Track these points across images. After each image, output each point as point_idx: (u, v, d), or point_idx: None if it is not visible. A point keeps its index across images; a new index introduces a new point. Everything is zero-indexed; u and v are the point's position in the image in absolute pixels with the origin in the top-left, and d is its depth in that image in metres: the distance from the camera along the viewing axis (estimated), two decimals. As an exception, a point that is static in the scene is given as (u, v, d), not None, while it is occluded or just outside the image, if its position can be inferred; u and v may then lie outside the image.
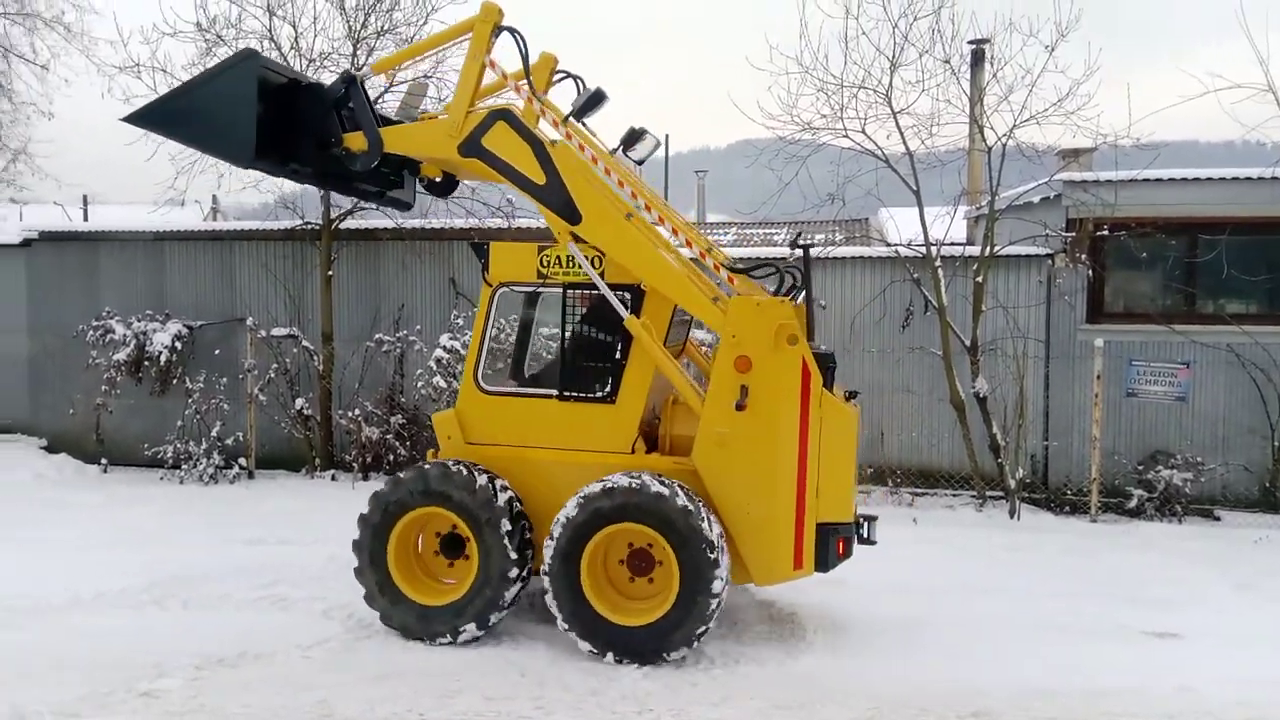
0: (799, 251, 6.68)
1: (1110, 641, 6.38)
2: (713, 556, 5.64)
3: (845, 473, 6.11)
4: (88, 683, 5.34)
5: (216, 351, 11.98)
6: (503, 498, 6.04)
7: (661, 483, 5.76)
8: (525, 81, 6.31)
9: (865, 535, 6.50)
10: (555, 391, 6.37)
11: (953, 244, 10.92)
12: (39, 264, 12.89)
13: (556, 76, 6.74)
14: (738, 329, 5.88)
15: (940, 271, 10.29)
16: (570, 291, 6.35)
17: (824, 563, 6.04)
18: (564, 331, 6.45)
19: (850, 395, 6.59)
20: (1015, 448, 10.18)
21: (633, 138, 6.70)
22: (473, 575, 6.02)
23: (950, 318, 10.35)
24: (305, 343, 11.80)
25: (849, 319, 10.97)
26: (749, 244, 21.52)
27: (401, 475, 6.21)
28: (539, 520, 6.14)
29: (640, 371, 6.19)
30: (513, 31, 6.30)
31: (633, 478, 5.79)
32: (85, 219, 32.20)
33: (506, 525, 5.98)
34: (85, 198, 35.35)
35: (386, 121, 6.68)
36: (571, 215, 6.05)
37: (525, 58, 6.34)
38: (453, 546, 6.27)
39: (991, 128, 10.21)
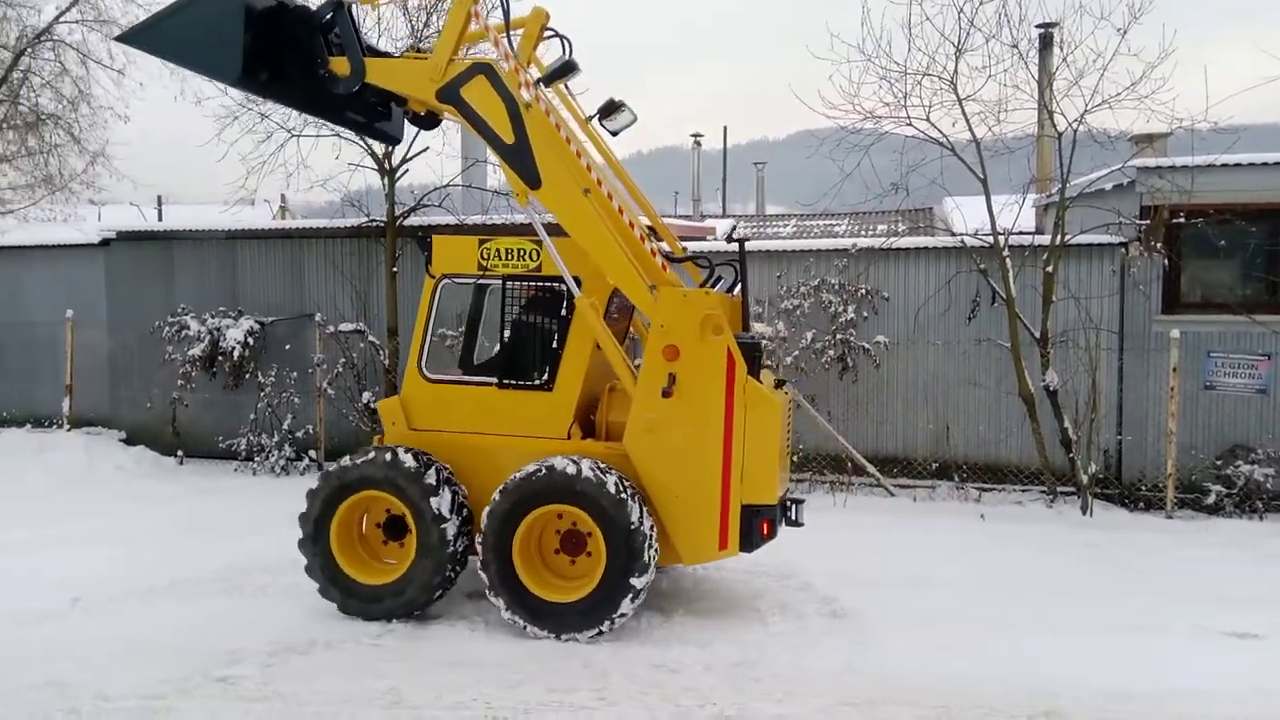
0: (734, 245, 6.76)
1: (1185, 641, 6.18)
2: (638, 530, 5.89)
3: (770, 457, 6.20)
4: (168, 668, 5.51)
5: (287, 346, 12.29)
6: (445, 485, 6.25)
7: (583, 465, 6.00)
8: (505, 38, 6.40)
9: (793, 518, 6.69)
10: (495, 379, 6.64)
11: (1021, 233, 10.67)
12: (117, 263, 13.36)
13: (546, 34, 6.82)
14: (666, 319, 6.12)
15: (1008, 261, 10.06)
16: (509, 283, 6.67)
17: (749, 543, 6.21)
18: (503, 321, 6.74)
19: (779, 383, 6.83)
20: (1087, 442, 9.91)
21: (610, 109, 6.90)
22: (410, 557, 6.26)
23: (1019, 309, 10.11)
24: (371, 337, 12.03)
25: (913, 311, 10.80)
26: (808, 235, 21.30)
27: (347, 459, 6.42)
28: (480, 504, 6.32)
29: (576, 360, 6.46)
30: None
31: (547, 463, 6.06)
32: (160, 218, 33.28)
33: (442, 509, 6.18)
34: (160, 198, 36.53)
35: (374, 52, 6.78)
36: (532, 179, 6.16)
37: (507, 14, 6.51)
38: (396, 529, 6.49)
39: (1061, 113, 9.96)
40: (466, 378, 6.99)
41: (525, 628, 6.05)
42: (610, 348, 6.29)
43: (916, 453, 10.86)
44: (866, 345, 10.72)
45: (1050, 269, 9.95)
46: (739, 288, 6.71)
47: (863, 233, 20.36)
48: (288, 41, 6.35)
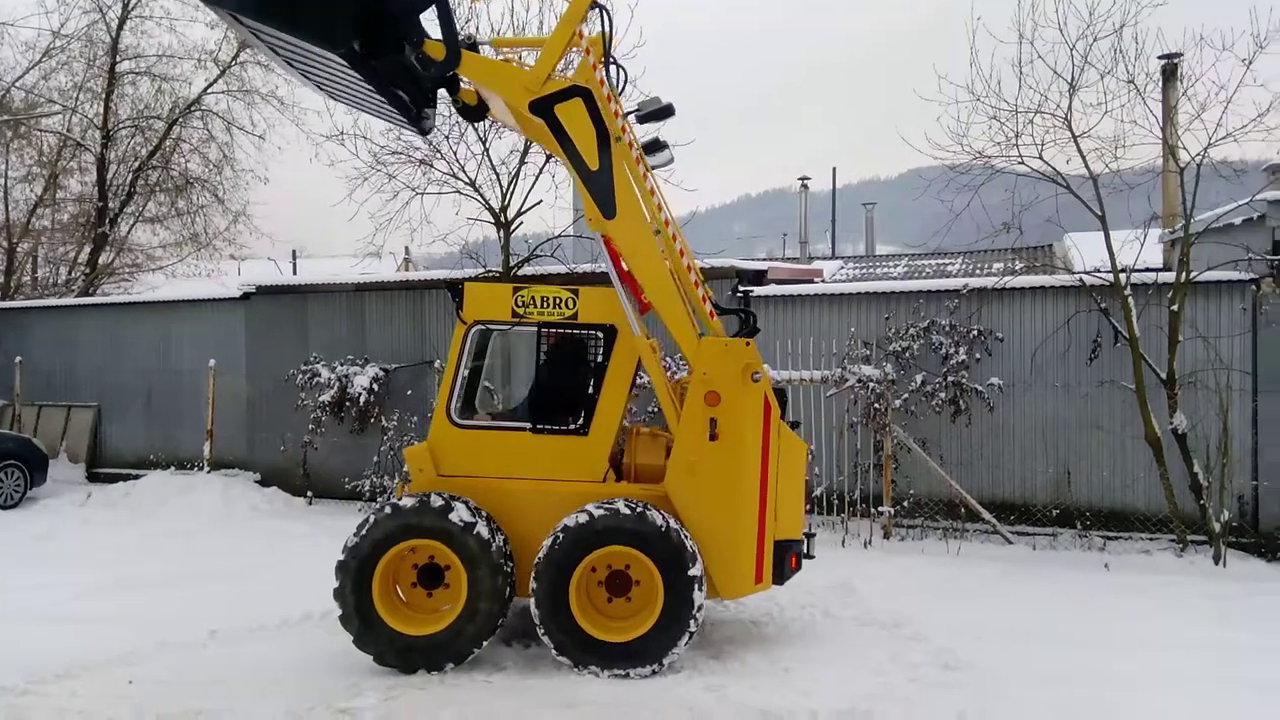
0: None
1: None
2: (693, 573, 6.07)
3: (797, 495, 6.66)
4: (295, 698, 5.81)
5: (409, 392, 12.87)
6: (487, 528, 6.22)
7: (648, 509, 6.14)
8: (604, 67, 6.47)
9: (806, 551, 6.88)
10: (529, 424, 6.68)
11: (1144, 270, 10.28)
12: (256, 315, 14.30)
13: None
14: (708, 366, 6.37)
15: (1131, 300, 9.70)
16: (544, 330, 6.71)
17: (780, 576, 6.55)
18: (537, 368, 6.80)
19: (794, 425, 6.95)
20: (1220, 488, 9.39)
21: (652, 147, 6.99)
22: (460, 605, 6.18)
23: (1143, 349, 9.72)
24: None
25: (1029, 351, 10.50)
26: (921, 275, 20.94)
27: (388, 507, 6.29)
28: (517, 547, 6.40)
29: (612, 405, 6.58)
30: (604, 10, 6.53)
31: (610, 505, 6.15)
32: (294, 272, 35.30)
33: (493, 556, 6.18)
34: (294, 252, 38.74)
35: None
36: (609, 209, 6.30)
37: (608, 42, 6.55)
38: (431, 577, 6.38)
39: (1184, 147, 9.61)
40: (497, 423, 7.03)
41: (577, 667, 6.14)
42: (663, 391, 6.50)
43: (1035, 499, 10.48)
44: (980, 387, 10.47)
45: (1176, 307, 9.54)
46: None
47: (978, 271, 19.91)
48: (382, 17, 6.04)
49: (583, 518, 6.16)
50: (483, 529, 6.17)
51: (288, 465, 13.49)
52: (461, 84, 6.70)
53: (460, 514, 6.16)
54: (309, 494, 13.15)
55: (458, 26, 6.48)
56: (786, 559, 6.57)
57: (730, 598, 6.62)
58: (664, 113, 6.91)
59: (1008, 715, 5.63)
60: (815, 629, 7.19)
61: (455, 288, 6.90)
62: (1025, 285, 10.66)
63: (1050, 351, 10.40)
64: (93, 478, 15.09)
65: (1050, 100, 9.89)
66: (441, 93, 6.96)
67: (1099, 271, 10.03)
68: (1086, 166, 9.83)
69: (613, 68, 6.72)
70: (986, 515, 10.29)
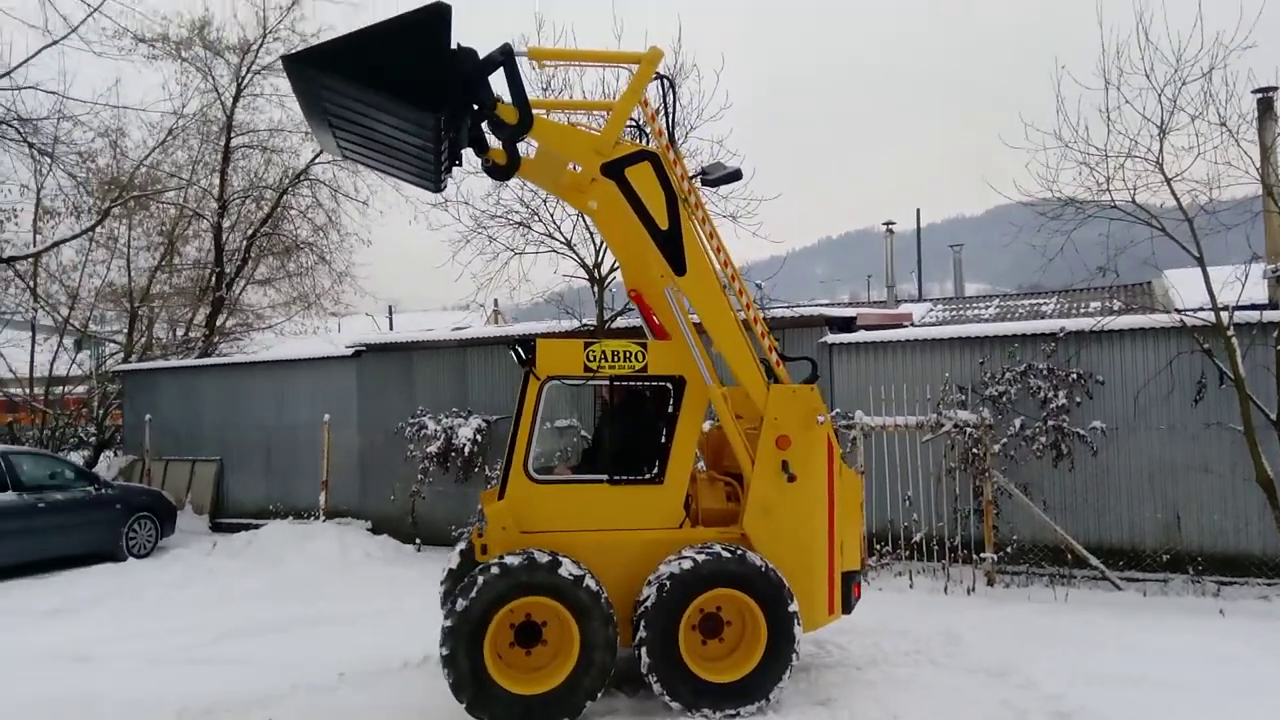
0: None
1: None
2: (792, 609, 6.41)
3: (856, 528, 7.22)
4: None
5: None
6: (594, 581, 6.26)
7: (739, 550, 6.48)
8: (667, 135, 6.84)
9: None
10: (606, 476, 6.83)
11: (1248, 307, 10.07)
12: (366, 371, 15.04)
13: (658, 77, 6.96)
14: (778, 412, 6.80)
15: (1235, 340, 9.54)
16: (616, 383, 6.89)
17: (847, 606, 7.03)
18: (612, 420, 7.04)
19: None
20: (1341, 532, 9.08)
21: (715, 169, 7.36)
22: (572, 662, 6.16)
23: (1251, 389, 9.53)
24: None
25: (1131, 393, 10.36)
26: (1013, 316, 20.66)
27: (496, 568, 6.19)
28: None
29: (684, 452, 6.82)
30: (669, 80, 6.88)
31: (710, 550, 6.44)
32: (390, 327, 36.63)
33: (603, 607, 6.23)
34: (390, 308, 40.23)
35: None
36: (679, 267, 6.61)
37: (672, 111, 6.89)
38: (528, 636, 6.36)
39: (1282, 185, 9.48)
40: (575, 476, 7.21)
41: (688, 710, 6.30)
42: (735, 436, 6.82)
43: (1144, 544, 10.26)
44: (1082, 431, 10.37)
45: (1282, 347, 9.36)
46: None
47: (1074, 310, 19.56)
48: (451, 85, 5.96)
49: (687, 563, 6.39)
50: (591, 581, 6.23)
51: (397, 514, 14.07)
52: (491, 145, 6.56)
53: (569, 568, 6.22)
54: (418, 541, 13.67)
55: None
56: (851, 588, 7.03)
57: (809, 630, 6.84)
58: (732, 177, 7.25)
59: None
60: (921, 676, 7.22)
61: (526, 345, 6.95)
62: (1124, 327, 10.51)
63: (1153, 393, 10.24)
64: (216, 528, 15.97)
65: (1140, 145, 9.91)
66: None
67: (1198, 312, 9.89)
68: (1182, 209, 9.77)
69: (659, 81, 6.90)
70: (1094, 561, 10.12)
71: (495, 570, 6.17)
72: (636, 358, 6.85)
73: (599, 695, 6.28)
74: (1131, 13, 10.01)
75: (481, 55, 6.08)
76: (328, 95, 5.91)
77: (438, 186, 6.98)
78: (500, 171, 6.77)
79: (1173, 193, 9.76)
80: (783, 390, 6.90)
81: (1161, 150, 9.79)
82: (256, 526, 14.64)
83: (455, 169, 6.72)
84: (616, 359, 6.83)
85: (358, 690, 7.32)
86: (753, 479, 6.81)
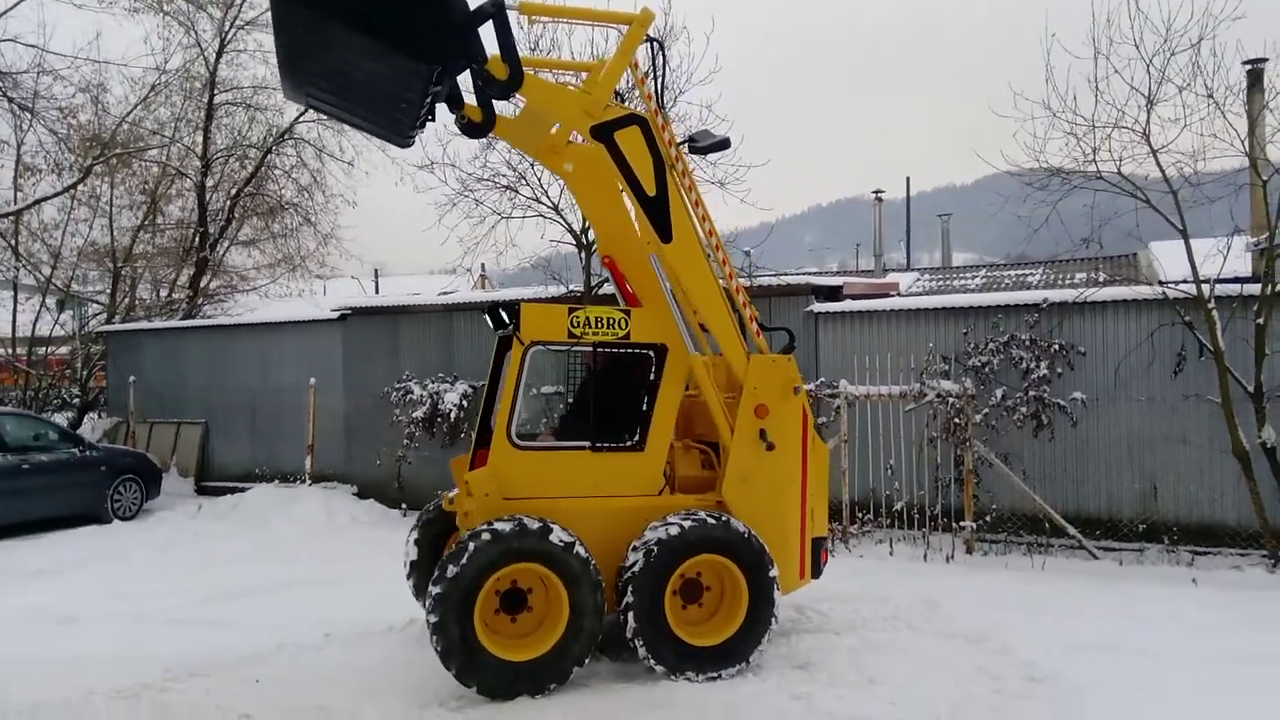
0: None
1: None
2: (772, 574, 6.60)
3: (823, 495, 7.42)
4: (408, 698, 6.22)
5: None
6: (583, 547, 6.29)
7: (722, 517, 6.64)
8: (658, 96, 6.87)
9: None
10: (588, 443, 6.85)
11: (1229, 280, 10.15)
12: (352, 335, 15.00)
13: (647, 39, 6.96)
14: (758, 381, 6.94)
15: (1215, 313, 9.63)
16: (599, 349, 6.90)
17: (817, 570, 7.26)
18: (594, 387, 7.06)
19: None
20: (1314, 503, 9.25)
21: (703, 136, 7.39)
22: (561, 628, 6.21)
23: (1230, 362, 9.64)
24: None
25: (1112, 365, 10.46)
26: (999, 286, 20.76)
27: (487, 534, 6.15)
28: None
29: (664, 420, 6.89)
30: (659, 43, 6.89)
31: (695, 516, 6.56)
32: (376, 290, 36.45)
33: (592, 573, 6.28)
34: (376, 271, 39.98)
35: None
36: (665, 234, 6.63)
37: (662, 74, 6.96)
38: (512, 603, 6.36)
39: (1267, 159, 9.51)
40: (558, 443, 7.18)
41: (672, 674, 6.41)
42: (715, 405, 6.90)
43: (1121, 514, 10.42)
44: (1062, 402, 10.47)
45: (1262, 320, 9.45)
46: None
47: (1059, 281, 19.64)
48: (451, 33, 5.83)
49: (674, 529, 6.46)
50: (580, 548, 6.26)
51: (383, 478, 14.11)
52: (467, 101, 6.43)
53: (560, 535, 6.23)
54: (403, 506, 13.73)
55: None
56: (819, 554, 7.28)
57: (784, 593, 7.00)
58: (719, 145, 7.23)
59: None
60: (899, 642, 7.34)
61: (509, 309, 6.84)
62: (1107, 299, 10.57)
63: (1134, 365, 10.34)
64: (201, 490, 15.97)
65: (1128, 116, 9.92)
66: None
67: (1180, 284, 9.97)
68: (1166, 181, 9.81)
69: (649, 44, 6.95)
70: (1071, 530, 10.27)
71: (486, 536, 6.11)
72: (619, 325, 6.86)
73: (585, 661, 6.34)
74: (1123, -20, 9.97)
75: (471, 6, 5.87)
76: (310, 36, 5.66)
77: (406, 141, 6.66)
78: (475, 129, 6.60)
79: (1158, 164, 9.81)
80: (763, 360, 7.03)
81: (1149, 121, 9.84)
82: (242, 490, 14.69)
83: (434, 126, 6.54)
84: (600, 325, 6.82)
85: (344, 650, 7.41)
86: (732, 447, 6.93)
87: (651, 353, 6.93)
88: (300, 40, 5.80)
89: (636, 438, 6.91)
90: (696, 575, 6.67)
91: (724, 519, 6.63)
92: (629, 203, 6.88)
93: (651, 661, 6.44)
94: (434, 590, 6.04)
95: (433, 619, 6.01)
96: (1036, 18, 10.49)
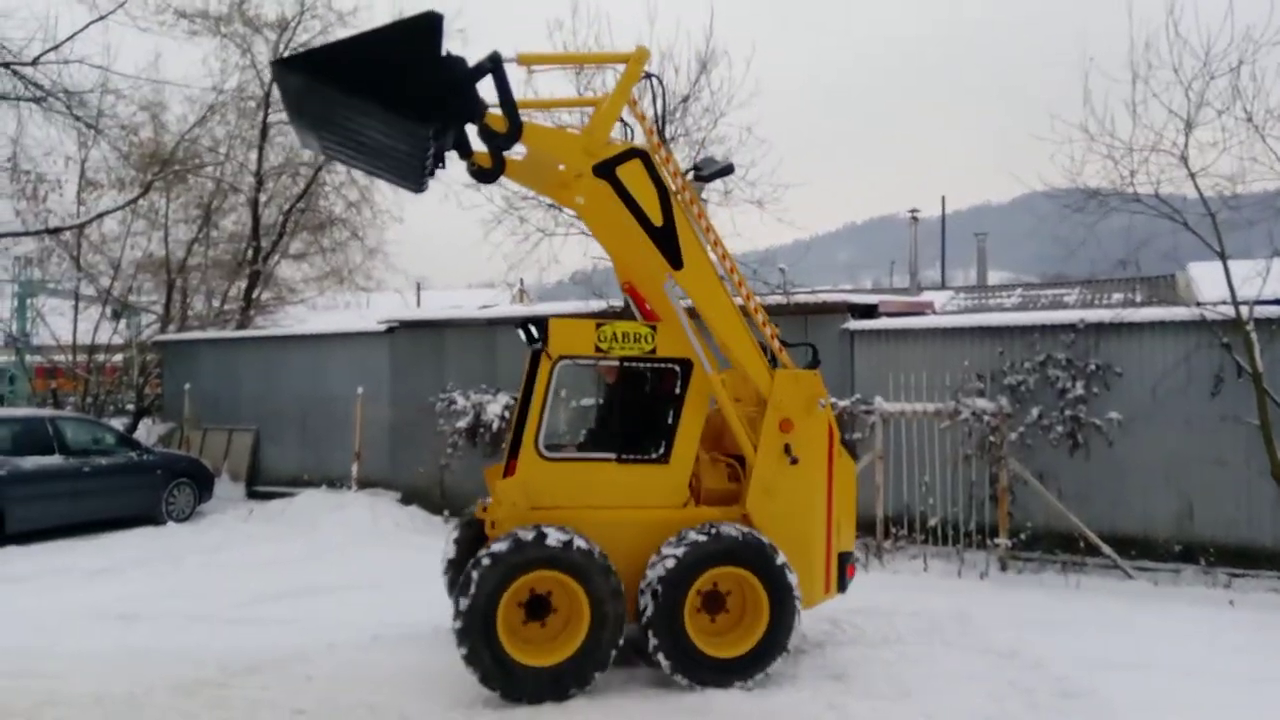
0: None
1: None
2: (793, 587, 6.64)
3: (850, 509, 7.36)
4: (455, 696, 6.44)
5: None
6: (585, 543, 6.39)
7: (749, 531, 6.69)
8: (659, 128, 7.05)
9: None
10: (614, 455, 6.98)
11: (1269, 302, 10.14)
12: (399, 346, 15.39)
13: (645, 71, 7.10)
14: (781, 396, 6.98)
15: (1254, 335, 9.63)
16: (625, 364, 7.06)
17: (842, 585, 7.25)
18: (621, 400, 7.24)
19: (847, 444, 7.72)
20: (1353, 526, 9.20)
21: (707, 164, 7.56)
22: (582, 635, 6.34)
23: (1269, 384, 9.63)
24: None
25: (1149, 386, 10.47)
26: (1036, 306, 20.67)
27: (510, 542, 6.31)
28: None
29: (690, 433, 6.99)
30: (658, 79, 7.07)
31: (715, 528, 6.61)
32: (418, 303, 37.01)
33: (612, 581, 6.41)
34: (418, 284, 40.54)
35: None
36: (675, 261, 6.75)
37: (663, 108, 7.15)
38: (537, 609, 6.49)
39: (1307, 183, 9.53)
40: (584, 454, 7.26)
41: (693, 685, 6.49)
42: (735, 421, 7.00)
43: (1157, 534, 10.42)
44: (1098, 422, 10.52)
45: (1302, 343, 9.44)
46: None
47: (1097, 301, 19.56)
48: (440, 90, 5.99)
49: (693, 542, 6.56)
50: (580, 541, 6.37)
51: (427, 485, 14.44)
52: (475, 149, 6.61)
53: (555, 536, 6.33)
54: (446, 512, 14.03)
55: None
56: (845, 568, 7.26)
57: (806, 607, 7.00)
58: (724, 172, 7.40)
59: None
60: (934, 655, 7.40)
61: (539, 324, 6.99)
62: (1144, 320, 10.61)
63: (1171, 386, 10.36)
64: (252, 495, 16.41)
65: (1165, 139, 9.98)
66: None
67: (1220, 305, 9.99)
68: (1205, 203, 9.85)
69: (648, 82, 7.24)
70: (1106, 549, 10.29)
71: (486, 562, 6.26)
72: (646, 339, 6.98)
73: (620, 643, 6.44)
74: (1162, 7, 10.07)
75: (469, 62, 6.10)
76: (315, 100, 5.96)
77: (420, 188, 6.97)
78: (485, 175, 6.81)
79: (1196, 187, 9.85)
80: (787, 375, 7.09)
81: (1187, 145, 9.88)
82: (291, 495, 15.10)
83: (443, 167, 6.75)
84: (627, 340, 6.96)
85: (391, 651, 7.65)
86: (756, 461, 6.99)
87: (678, 367, 7.06)
88: (304, 105, 6.14)
89: (661, 450, 7.01)
90: (714, 587, 6.74)
91: (744, 532, 6.67)
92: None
93: (670, 673, 6.52)
94: (455, 625, 6.22)
95: (463, 651, 6.21)
96: (1071, 42, 10.60)
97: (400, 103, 5.73)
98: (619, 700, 6.46)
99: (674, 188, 6.82)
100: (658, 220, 6.70)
